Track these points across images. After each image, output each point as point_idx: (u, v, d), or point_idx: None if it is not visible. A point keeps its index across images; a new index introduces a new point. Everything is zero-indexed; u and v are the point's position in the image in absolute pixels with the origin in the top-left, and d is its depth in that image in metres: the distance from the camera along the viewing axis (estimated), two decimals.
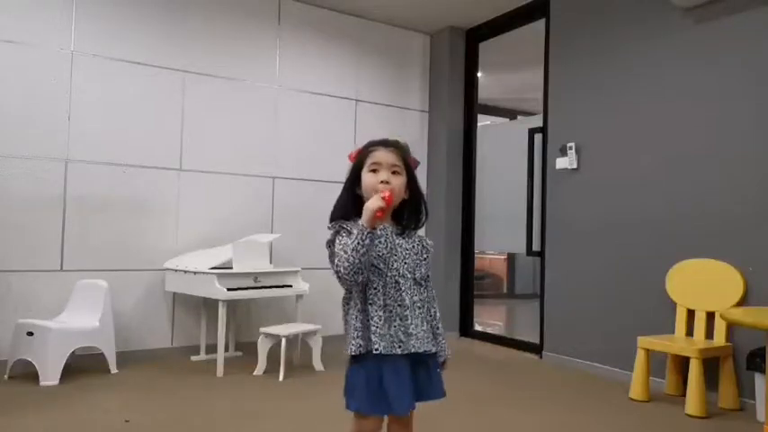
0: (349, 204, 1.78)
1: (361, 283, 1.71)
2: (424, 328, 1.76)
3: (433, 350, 1.78)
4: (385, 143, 1.81)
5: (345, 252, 1.65)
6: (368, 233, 1.64)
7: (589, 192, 4.34)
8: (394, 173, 1.76)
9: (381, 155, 1.77)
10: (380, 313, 1.71)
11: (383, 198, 1.66)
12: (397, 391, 1.69)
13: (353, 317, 1.74)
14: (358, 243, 1.64)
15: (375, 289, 1.72)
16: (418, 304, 1.77)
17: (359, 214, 1.71)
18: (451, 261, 5.55)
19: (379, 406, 1.70)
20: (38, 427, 2.89)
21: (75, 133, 4.11)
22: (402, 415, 1.75)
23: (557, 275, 4.59)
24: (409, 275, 1.76)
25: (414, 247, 1.80)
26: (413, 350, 1.71)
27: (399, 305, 1.72)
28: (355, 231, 1.66)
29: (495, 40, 5.54)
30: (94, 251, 4.16)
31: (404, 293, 1.74)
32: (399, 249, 1.77)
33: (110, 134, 4.24)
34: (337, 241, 1.72)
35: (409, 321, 1.73)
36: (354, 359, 1.74)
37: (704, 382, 3.26)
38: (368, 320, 1.72)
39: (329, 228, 1.77)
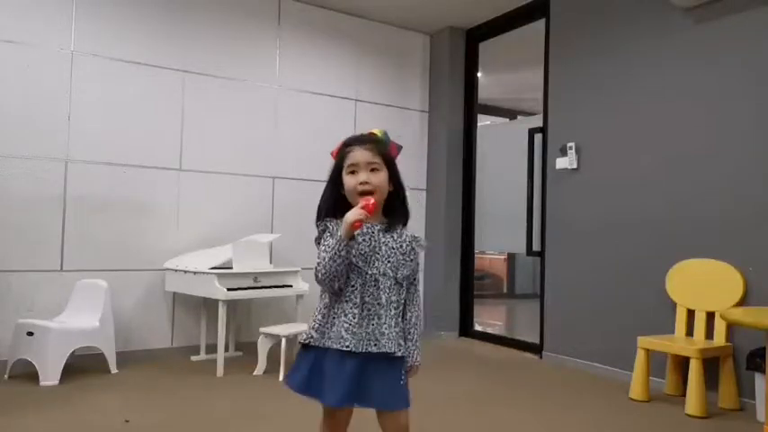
0: (333, 203, 1.78)
1: (338, 288, 1.72)
2: (396, 329, 1.74)
3: (400, 353, 1.73)
4: (360, 140, 1.80)
5: (324, 259, 1.67)
6: (344, 244, 1.65)
7: (589, 192, 4.34)
8: (373, 170, 1.75)
9: (357, 155, 1.76)
10: (356, 311, 1.70)
11: (365, 207, 1.66)
12: (332, 381, 1.68)
13: (318, 309, 1.76)
14: (335, 253, 1.65)
15: (353, 287, 1.72)
16: (394, 304, 1.75)
17: (344, 213, 1.71)
18: (451, 261, 5.55)
19: (311, 390, 1.72)
20: (38, 427, 2.89)
21: (75, 133, 4.11)
22: (327, 404, 1.74)
23: (557, 275, 4.59)
24: (390, 274, 1.74)
25: (401, 246, 1.78)
26: (384, 350, 1.70)
27: (378, 303, 1.72)
28: (334, 238, 1.66)
29: (495, 40, 5.54)
30: (94, 251, 4.16)
31: (381, 292, 1.72)
32: (384, 248, 1.75)
33: (110, 134, 4.24)
34: (322, 241, 1.73)
35: (383, 320, 1.72)
36: (305, 346, 1.76)
37: (704, 382, 3.26)
38: (333, 317, 1.72)
39: (317, 226, 1.79)
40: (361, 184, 1.73)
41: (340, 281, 1.69)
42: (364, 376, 1.69)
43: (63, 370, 3.61)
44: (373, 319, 1.71)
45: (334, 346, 1.69)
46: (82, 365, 3.85)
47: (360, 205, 1.67)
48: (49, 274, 4.01)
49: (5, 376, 3.70)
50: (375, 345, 1.69)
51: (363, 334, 1.69)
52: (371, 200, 1.69)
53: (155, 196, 4.39)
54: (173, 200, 4.47)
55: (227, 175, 4.69)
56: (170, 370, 4.04)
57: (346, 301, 1.71)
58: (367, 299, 1.71)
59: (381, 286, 1.73)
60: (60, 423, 2.94)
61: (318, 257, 1.71)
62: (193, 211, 4.54)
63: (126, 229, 4.28)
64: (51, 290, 4.00)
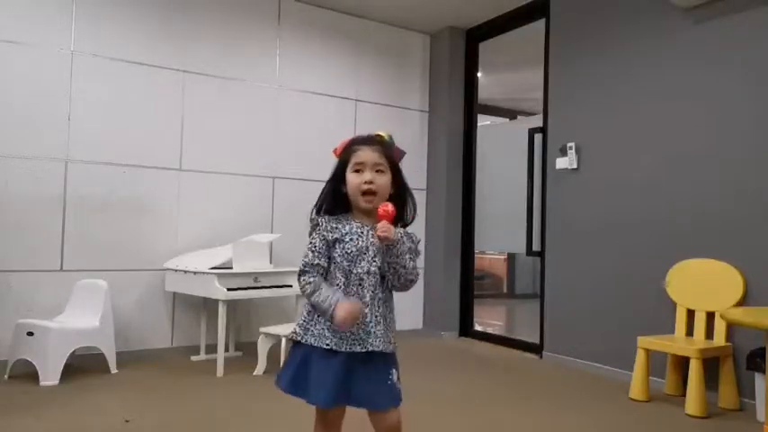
0: (333, 201, 1.81)
1: None
2: (384, 326, 1.74)
3: (389, 350, 1.75)
4: (368, 141, 1.81)
5: (312, 295, 1.71)
6: (328, 318, 1.69)
7: (589, 192, 4.34)
8: (378, 171, 1.76)
9: (364, 154, 1.77)
10: None
11: (384, 215, 1.68)
12: (318, 381, 1.69)
13: (305, 305, 1.80)
14: (318, 308, 1.71)
15: (337, 285, 1.73)
16: (381, 301, 1.75)
17: (344, 210, 1.79)
18: (451, 261, 5.55)
19: (298, 389, 1.73)
20: (38, 427, 2.88)
21: (75, 133, 4.11)
22: (313, 404, 1.75)
23: (557, 275, 4.59)
24: (378, 272, 1.75)
25: None
26: (371, 348, 1.70)
27: (362, 302, 1.71)
28: (329, 295, 1.68)
29: (495, 40, 5.54)
30: (94, 251, 4.16)
31: (365, 290, 1.73)
32: (371, 248, 1.75)
33: (110, 134, 4.24)
34: (310, 238, 1.77)
35: (368, 319, 1.72)
36: (294, 344, 1.79)
37: (704, 382, 3.26)
38: (317, 314, 1.74)
39: (311, 220, 1.81)
40: (365, 183, 1.74)
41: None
42: (351, 375, 1.69)
43: (63, 370, 3.61)
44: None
45: (316, 344, 1.70)
46: (82, 365, 3.85)
47: (345, 308, 1.64)
48: (49, 274, 4.01)
49: (5, 376, 3.70)
50: (360, 344, 1.70)
51: (347, 333, 1.69)
52: (389, 206, 1.70)
53: (155, 196, 4.39)
54: (173, 200, 4.47)
55: (227, 175, 4.69)
56: (170, 370, 4.04)
57: None
58: (350, 298, 1.71)
59: (365, 284, 1.73)
60: (60, 423, 2.94)
61: (305, 254, 1.76)
62: (193, 211, 4.54)
63: (126, 229, 4.28)
64: (51, 290, 4.00)
